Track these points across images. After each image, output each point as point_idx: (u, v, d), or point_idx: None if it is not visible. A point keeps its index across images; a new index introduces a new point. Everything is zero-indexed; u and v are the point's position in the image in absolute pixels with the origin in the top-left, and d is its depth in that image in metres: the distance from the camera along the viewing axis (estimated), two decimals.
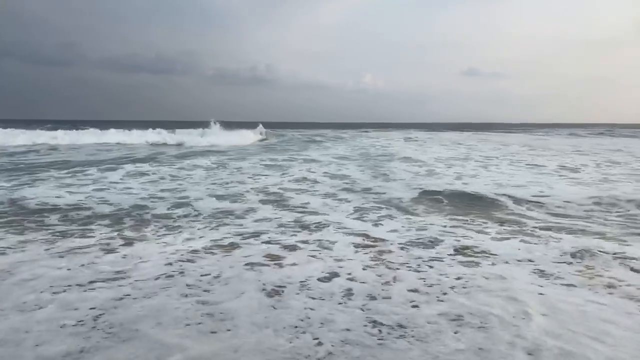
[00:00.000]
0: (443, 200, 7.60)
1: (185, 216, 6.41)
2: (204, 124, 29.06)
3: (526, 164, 13.47)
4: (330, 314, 3.11)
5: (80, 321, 3.00)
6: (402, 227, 5.81)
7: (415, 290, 3.57)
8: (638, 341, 2.77)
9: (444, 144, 23.79)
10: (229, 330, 2.88)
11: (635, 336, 2.83)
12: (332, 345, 2.69)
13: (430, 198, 7.78)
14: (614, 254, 4.52)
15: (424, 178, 10.35)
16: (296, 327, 2.92)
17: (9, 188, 8.60)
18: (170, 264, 4.20)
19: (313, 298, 3.41)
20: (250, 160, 14.81)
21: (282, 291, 3.54)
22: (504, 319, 3.04)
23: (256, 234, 5.41)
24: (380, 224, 5.99)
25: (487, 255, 4.55)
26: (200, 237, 5.22)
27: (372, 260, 4.37)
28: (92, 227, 5.72)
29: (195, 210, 6.81)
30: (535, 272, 4.02)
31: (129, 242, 4.96)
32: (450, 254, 4.56)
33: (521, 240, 5.12)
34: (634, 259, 4.37)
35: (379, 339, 2.77)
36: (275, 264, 4.25)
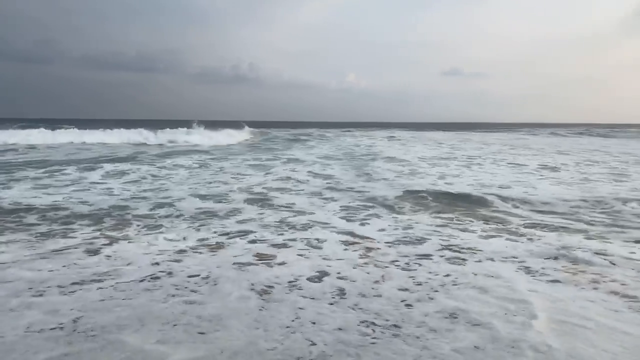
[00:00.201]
0: (428, 200, 7.62)
1: (168, 216, 6.28)
2: (187, 123, 28.70)
3: (508, 163, 13.64)
4: (322, 314, 3.07)
5: (60, 324, 2.89)
6: (389, 225, 5.81)
7: (405, 289, 3.55)
8: (627, 337, 2.79)
9: (427, 144, 23.98)
10: (217, 331, 2.82)
11: (624, 331, 2.85)
12: (325, 345, 2.65)
13: (415, 197, 7.80)
14: (597, 251, 4.60)
15: (408, 177, 10.38)
16: (287, 327, 2.87)
17: None
18: (156, 264, 4.11)
19: (304, 297, 3.36)
20: (233, 159, 14.68)
21: (272, 291, 3.49)
22: (496, 316, 3.05)
23: (242, 234, 5.34)
24: (367, 223, 5.98)
25: (474, 253, 4.57)
26: (185, 238, 5.12)
27: (360, 258, 4.35)
28: (73, 227, 5.56)
29: (178, 210, 6.69)
30: (521, 269, 4.05)
31: (111, 243, 4.84)
32: (438, 252, 4.57)
33: (507, 239, 5.16)
34: (614, 255, 4.45)
35: (373, 339, 2.73)
36: (263, 263, 4.19)
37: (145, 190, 8.44)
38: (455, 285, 3.64)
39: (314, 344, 2.66)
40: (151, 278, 3.75)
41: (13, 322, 2.91)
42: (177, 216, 6.29)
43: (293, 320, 2.97)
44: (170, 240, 5.02)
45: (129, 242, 4.89)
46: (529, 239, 5.12)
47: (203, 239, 5.04)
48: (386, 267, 4.10)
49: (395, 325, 2.91)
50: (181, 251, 4.55)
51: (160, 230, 5.49)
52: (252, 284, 3.61)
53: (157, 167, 12.13)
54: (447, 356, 2.54)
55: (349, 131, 43.92)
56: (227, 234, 5.34)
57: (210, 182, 9.53)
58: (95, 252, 4.51)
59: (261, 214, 6.50)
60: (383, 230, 5.59)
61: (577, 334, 2.80)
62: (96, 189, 8.58)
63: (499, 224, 5.93)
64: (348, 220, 6.13)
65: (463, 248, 4.74)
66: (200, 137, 24.78)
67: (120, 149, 19.36)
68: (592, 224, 5.94)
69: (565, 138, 33.22)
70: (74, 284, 3.59)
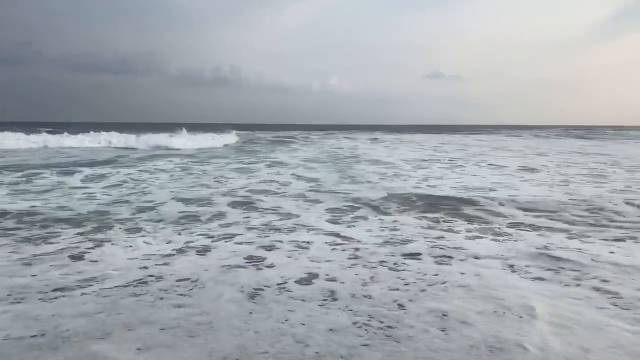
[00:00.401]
0: (413, 202, 7.66)
1: (151, 220, 6.17)
2: (168, 126, 28.39)
3: (489, 165, 13.83)
4: (313, 316, 3.05)
5: (41, 332, 2.80)
6: (376, 227, 5.82)
7: (396, 289, 3.56)
8: (616, 332, 2.84)
9: (410, 146, 24.17)
10: (207, 335, 2.77)
11: (612, 326, 2.90)
12: (318, 346, 2.62)
13: (400, 199, 7.83)
14: (578, 249, 4.69)
15: (392, 180, 10.43)
16: (278, 329, 2.84)
17: None
18: (143, 268, 4.04)
19: (294, 299, 3.34)
20: (216, 163, 14.55)
21: (261, 293, 3.45)
22: (484, 314, 3.07)
23: (228, 237, 5.28)
24: (354, 225, 5.98)
25: (460, 253, 4.61)
26: (170, 242, 5.04)
27: (349, 259, 4.35)
28: (55, 232, 5.42)
29: (161, 214, 6.58)
30: (506, 268, 4.11)
31: (95, 248, 4.73)
32: (425, 253, 4.59)
33: (492, 239, 5.22)
34: (595, 253, 4.55)
35: (366, 340, 2.72)
36: (251, 266, 4.15)
37: (127, 195, 8.29)
38: (444, 284, 3.67)
39: (306, 346, 2.63)
40: (138, 282, 3.68)
41: None
42: (161, 220, 6.19)
43: (283, 322, 2.94)
44: (155, 244, 4.94)
45: (113, 247, 4.79)
46: (513, 239, 5.19)
47: (189, 243, 4.97)
48: (374, 267, 4.10)
49: (388, 326, 2.90)
50: (167, 255, 4.48)
51: (144, 234, 5.39)
52: (242, 287, 3.57)
53: (139, 171, 11.94)
54: (441, 356, 2.54)
55: (332, 134, 44.02)
56: (213, 237, 5.28)
57: (193, 186, 9.41)
58: (78, 257, 4.40)
59: (246, 217, 6.44)
60: (370, 231, 5.60)
61: (566, 330, 2.84)
62: (77, 193, 8.39)
63: (483, 225, 5.99)
64: (334, 223, 6.12)
65: (449, 248, 4.77)
66: (181, 140, 24.44)
67: (100, 153, 19.01)
68: (574, 224, 6.04)
69: (544, 140, 33.86)
70: (55, 290, 3.49)
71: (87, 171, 11.66)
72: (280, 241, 5.04)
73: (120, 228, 5.65)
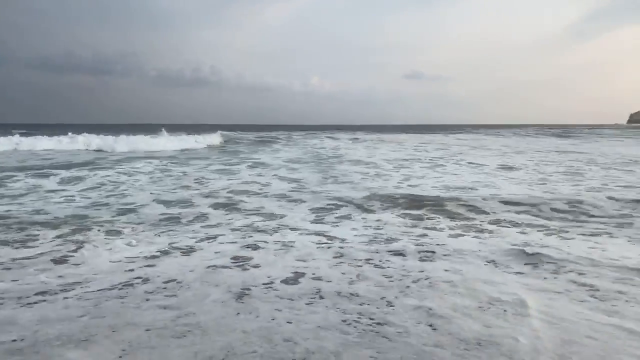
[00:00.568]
0: (396, 201, 7.70)
1: (133, 223, 6.07)
2: (147, 127, 27.92)
3: (469, 163, 14.02)
4: (300, 314, 3.05)
5: (21, 337, 2.74)
6: (360, 226, 5.87)
7: (381, 286, 3.59)
8: (597, 323, 2.91)
9: (391, 146, 24.30)
10: (194, 335, 2.74)
11: (591, 319, 2.98)
12: (308, 343, 2.62)
13: (383, 199, 7.86)
14: (557, 245, 4.81)
15: (375, 180, 10.48)
16: (266, 328, 2.83)
17: None
18: (127, 271, 3.98)
19: (281, 298, 3.33)
20: (197, 164, 14.39)
21: (248, 293, 3.44)
22: (470, 308, 3.13)
23: (212, 238, 5.25)
24: (338, 225, 6.00)
25: (443, 250, 4.67)
26: (153, 244, 4.97)
27: (334, 258, 4.37)
28: (34, 236, 5.27)
29: (143, 216, 6.49)
30: (489, 264, 4.19)
31: (76, 251, 4.63)
32: (409, 251, 4.63)
33: (474, 236, 5.30)
34: (573, 248, 4.68)
35: (355, 337, 2.73)
36: (237, 266, 4.13)
37: (106, 197, 8.15)
38: (429, 281, 3.71)
39: (295, 344, 2.63)
40: (122, 285, 3.62)
41: None
42: (142, 223, 6.10)
43: (271, 322, 2.93)
44: (138, 246, 4.87)
45: (95, 250, 4.70)
46: (494, 236, 5.31)
47: (172, 245, 4.92)
48: (360, 266, 4.12)
49: (377, 323, 2.92)
50: (151, 257, 4.43)
51: (126, 237, 5.30)
52: (228, 287, 3.55)
53: (117, 173, 11.72)
54: (432, 350, 2.57)
55: (314, 134, 43.97)
56: (196, 238, 5.23)
57: (174, 188, 9.28)
58: (60, 260, 4.31)
59: (230, 218, 6.39)
60: (354, 230, 5.64)
61: (549, 322, 2.91)
62: (54, 197, 8.20)
63: (465, 222, 6.07)
64: (318, 223, 6.12)
65: (433, 245, 4.83)
66: (161, 141, 24.05)
67: (77, 155, 18.59)
68: (552, 220, 6.19)
69: (522, 138, 34.47)
70: (37, 294, 3.42)
71: (64, 174, 11.39)
72: (265, 241, 5.02)
73: (101, 231, 5.54)
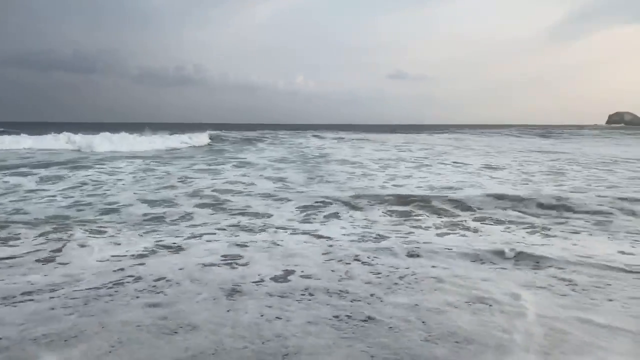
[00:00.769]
0: (382, 200, 7.73)
1: (117, 223, 6.00)
2: (130, 126, 27.43)
3: (454, 163, 14.15)
4: (291, 311, 3.07)
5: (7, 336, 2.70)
6: (348, 225, 5.92)
7: (370, 283, 3.62)
8: (573, 313, 2.99)
9: (376, 146, 24.39)
10: (185, 332, 2.74)
11: (570, 309, 3.05)
12: (299, 338, 2.64)
13: (370, 198, 7.89)
14: (540, 242, 4.95)
15: (361, 179, 10.52)
16: (257, 325, 2.84)
17: None
18: (116, 270, 3.94)
19: (271, 295, 3.35)
20: (181, 164, 14.24)
21: (238, 291, 3.44)
22: (458, 304, 3.18)
23: (198, 237, 5.23)
24: (325, 224, 6.02)
25: (430, 247, 4.72)
26: (138, 243, 4.91)
27: (323, 256, 4.39)
28: (15, 237, 5.17)
29: (127, 216, 6.42)
30: (475, 261, 4.26)
31: (61, 251, 4.56)
32: (397, 248, 4.67)
33: (460, 235, 5.37)
34: (554, 245, 4.81)
35: (345, 332, 2.76)
36: (225, 264, 4.12)
37: (88, 197, 8.02)
38: (416, 277, 3.77)
39: (286, 339, 2.65)
40: (110, 283, 3.59)
41: None
42: (127, 222, 6.03)
43: (261, 318, 2.94)
44: (124, 245, 4.82)
45: (80, 249, 4.64)
46: (479, 234, 5.40)
47: (159, 244, 4.88)
48: (348, 263, 4.16)
49: (368, 318, 2.95)
50: (139, 256, 4.39)
51: (112, 236, 5.24)
52: (217, 285, 3.55)
53: (99, 172, 11.54)
54: (422, 344, 2.61)
55: (300, 133, 43.91)
56: (183, 237, 5.21)
57: (158, 188, 9.17)
58: (45, 260, 4.25)
59: (216, 218, 6.36)
60: (342, 229, 5.68)
61: (534, 314, 2.97)
62: (33, 196, 8.03)
63: (451, 221, 6.14)
64: (306, 222, 6.13)
65: (420, 243, 4.87)
66: (144, 140, 23.68)
67: (58, 154, 18.23)
68: (536, 218, 6.29)
69: (505, 138, 34.93)
70: (23, 294, 3.37)
71: (44, 173, 11.18)
72: (253, 240, 5.02)
73: (85, 230, 5.46)
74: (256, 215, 6.52)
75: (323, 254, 4.46)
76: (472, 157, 17.02)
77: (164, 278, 3.71)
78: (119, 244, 4.84)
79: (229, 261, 4.22)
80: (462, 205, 7.18)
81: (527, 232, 5.47)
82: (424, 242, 4.89)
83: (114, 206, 7.12)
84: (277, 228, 5.67)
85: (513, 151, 20.31)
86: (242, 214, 6.62)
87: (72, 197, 8.03)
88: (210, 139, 27.26)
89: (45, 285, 3.56)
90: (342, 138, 33.08)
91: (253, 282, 3.63)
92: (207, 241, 5.00)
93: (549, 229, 5.60)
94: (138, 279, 3.70)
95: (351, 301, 3.24)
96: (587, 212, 6.57)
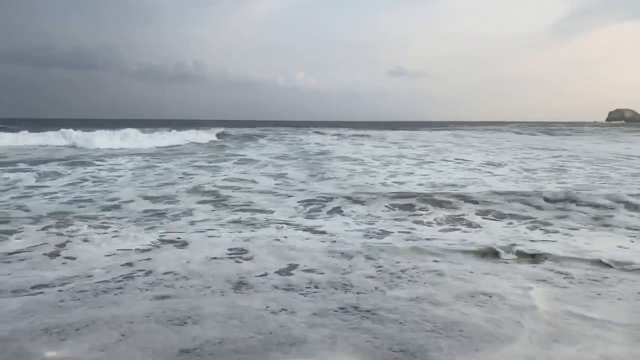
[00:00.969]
0: (384, 196, 7.71)
1: (120, 218, 6.03)
2: (129, 122, 27.36)
3: (455, 160, 14.14)
4: (297, 303, 3.11)
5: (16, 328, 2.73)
6: (350, 221, 5.97)
7: (373, 277, 3.66)
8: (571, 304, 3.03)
9: (377, 142, 24.38)
10: (193, 323, 2.79)
11: (568, 300, 3.09)
12: (304, 329, 2.68)
13: (371, 194, 7.88)
14: (542, 238, 5.00)
15: (361, 176, 10.53)
16: (262, 316, 2.89)
17: None
18: (124, 264, 3.99)
19: (276, 288, 3.40)
20: (182, 160, 14.25)
21: (243, 284, 3.49)
22: (462, 296, 3.23)
23: (202, 232, 5.27)
24: (328, 219, 6.06)
25: (432, 242, 4.76)
26: (143, 239, 4.94)
27: (326, 251, 4.42)
28: (19, 232, 5.18)
29: (129, 212, 6.46)
30: (476, 255, 4.30)
31: (65, 245, 4.59)
32: (399, 244, 4.71)
33: (462, 231, 5.39)
34: (557, 241, 4.85)
35: (350, 323, 2.80)
36: (230, 258, 4.17)
37: (88, 193, 8.03)
38: (418, 271, 3.81)
39: (290, 329, 2.70)
40: (120, 277, 3.65)
41: None
42: (129, 218, 6.04)
43: (265, 309, 2.99)
44: (130, 240, 4.86)
45: (86, 244, 4.67)
46: (481, 230, 5.44)
47: (164, 239, 4.91)
48: (351, 258, 4.19)
49: (371, 309, 3.00)
50: (146, 250, 4.44)
51: (115, 231, 5.26)
52: (224, 278, 3.59)
53: (99, 169, 11.55)
54: (427, 335, 2.65)
55: (300, 130, 43.85)
56: (187, 233, 5.25)
57: (159, 184, 9.18)
58: (52, 255, 4.29)
59: (218, 214, 6.37)
60: (344, 225, 5.72)
61: (535, 306, 3.02)
62: (34, 193, 8.05)
63: (453, 217, 6.15)
64: (308, 218, 6.16)
65: (422, 240, 4.88)
66: (143, 137, 23.56)
67: (57, 151, 18.20)
68: (537, 214, 6.30)
69: (506, 135, 34.89)
70: (34, 287, 3.41)
71: (43, 169, 11.19)
72: (256, 236, 5.05)
73: (89, 226, 5.46)
74: (258, 211, 6.54)
75: (326, 249, 4.50)
76: (473, 154, 17.03)
77: (172, 272, 3.76)
78: (124, 239, 4.87)
79: (234, 255, 4.27)
80: (464, 201, 7.17)
81: (528, 228, 5.50)
82: (426, 239, 4.91)
83: (116, 202, 7.14)
84: (279, 223, 5.68)
85: (513, 148, 20.31)
86: (245, 210, 6.63)
87: (73, 193, 8.04)
88: (210, 135, 27.09)
89: (55, 278, 3.61)
90: (343, 135, 33.04)
91: (258, 276, 3.68)
92: (211, 236, 5.04)
93: (550, 225, 5.63)
94: (146, 272, 3.75)
95: (355, 294, 3.28)
96: (589, 208, 6.57)
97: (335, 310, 2.97)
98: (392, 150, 18.75)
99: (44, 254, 4.29)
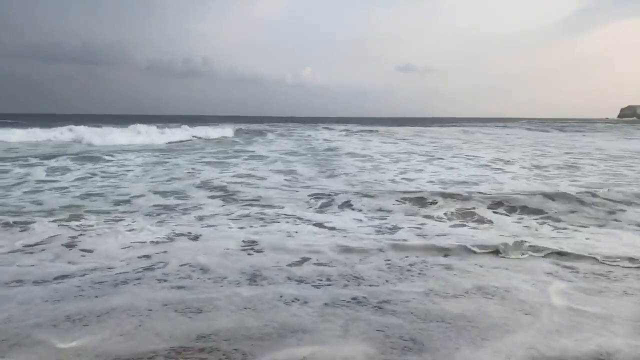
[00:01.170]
0: (395, 192, 7.71)
1: (131, 212, 6.12)
2: (138, 118, 27.56)
3: (466, 157, 14.07)
4: (309, 294, 3.18)
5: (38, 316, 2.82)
6: (361, 216, 6.01)
7: (383, 271, 3.72)
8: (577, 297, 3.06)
9: (386, 139, 24.34)
10: (207, 312, 2.88)
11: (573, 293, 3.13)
12: (316, 318, 2.75)
13: (382, 190, 7.90)
14: (551, 234, 5.04)
15: (371, 172, 10.54)
16: (276, 306, 2.96)
17: None
18: (139, 257, 4.08)
19: (289, 279, 3.48)
20: (192, 156, 14.34)
21: (257, 276, 3.56)
22: (469, 290, 3.28)
23: (214, 226, 5.35)
24: (338, 214, 6.10)
25: (442, 238, 4.79)
26: (156, 232, 5.02)
27: (336, 245, 4.46)
28: (30, 225, 5.25)
29: (140, 206, 6.53)
30: (486, 251, 4.31)
31: (79, 237, 4.69)
32: (410, 238, 4.76)
33: (472, 227, 5.41)
34: (569, 238, 4.89)
35: (362, 313, 2.86)
36: (243, 251, 4.25)
37: (99, 188, 8.16)
38: (428, 265, 3.86)
39: (302, 318, 2.78)
40: (140, 268, 3.75)
41: None
42: (141, 212, 6.11)
43: (279, 300, 3.07)
44: (144, 233, 4.94)
45: (101, 237, 4.76)
46: (491, 226, 5.46)
47: (177, 232, 4.99)
48: (362, 252, 4.24)
49: (383, 301, 3.07)
50: (161, 243, 4.54)
51: (129, 225, 5.36)
52: (239, 270, 3.67)
53: (107, 164, 11.67)
54: (437, 325, 2.72)
55: (307, 126, 43.87)
56: (200, 226, 5.32)
57: (169, 179, 9.27)
58: (70, 246, 4.39)
59: (228, 208, 6.42)
60: (354, 220, 5.76)
61: (542, 301, 3.07)
62: (46, 187, 8.18)
63: (464, 213, 6.14)
64: (319, 213, 6.19)
65: (432, 236, 4.91)
66: (152, 133, 23.71)
67: (67, 146, 18.37)
68: (550, 210, 6.26)
69: (516, 132, 34.64)
70: (56, 278, 3.52)
71: (53, 164, 11.34)
72: (268, 231, 5.12)
73: (102, 220, 5.57)
74: (268, 206, 6.59)
75: (337, 243, 4.54)
76: (483, 150, 16.93)
77: (188, 264, 3.85)
78: (139, 232, 4.96)
79: (246, 248, 4.35)
80: (475, 198, 7.15)
81: (538, 224, 5.49)
82: (436, 235, 4.93)
83: (126, 197, 7.23)
84: (290, 218, 5.73)
85: (524, 145, 20.16)
86: (254, 204, 6.67)
87: (84, 187, 8.16)
88: (219, 131, 27.12)
89: (76, 270, 3.71)
90: (351, 131, 33.02)
91: (271, 268, 3.76)
92: (223, 230, 5.12)
93: (561, 221, 5.61)
94: (163, 264, 3.85)
95: (366, 286, 3.34)
96: (601, 206, 6.52)
97: (347, 302, 3.03)
98: (401, 147, 18.71)
99: (62, 245, 4.41)
